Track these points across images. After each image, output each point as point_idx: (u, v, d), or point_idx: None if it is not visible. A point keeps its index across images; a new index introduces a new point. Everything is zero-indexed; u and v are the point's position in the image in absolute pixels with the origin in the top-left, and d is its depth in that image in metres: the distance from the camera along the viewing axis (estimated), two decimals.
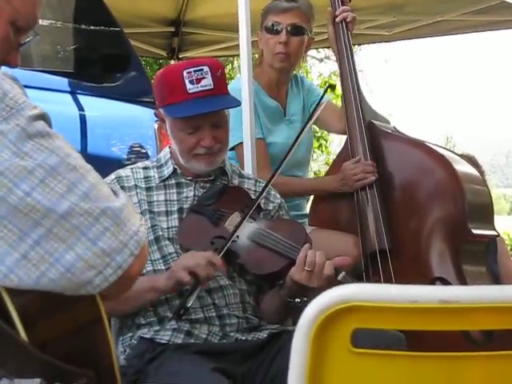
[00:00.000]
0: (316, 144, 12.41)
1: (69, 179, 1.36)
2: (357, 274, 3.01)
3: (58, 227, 1.34)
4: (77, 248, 1.35)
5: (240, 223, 2.56)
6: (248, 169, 3.32)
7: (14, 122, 1.35)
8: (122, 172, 2.70)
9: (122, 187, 2.63)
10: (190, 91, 2.56)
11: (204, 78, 2.58)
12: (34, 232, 1.33)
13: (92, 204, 1.36)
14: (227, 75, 10.94)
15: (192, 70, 2.58)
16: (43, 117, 1.41)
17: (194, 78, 2.57)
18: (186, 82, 2.57)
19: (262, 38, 3.57)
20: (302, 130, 2.79)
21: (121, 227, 1.38)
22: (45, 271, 1.33)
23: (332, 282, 2.43)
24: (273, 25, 3.50)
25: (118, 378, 1.51)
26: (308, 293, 2.49)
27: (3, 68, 1.59)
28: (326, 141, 12.94)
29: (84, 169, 1.39)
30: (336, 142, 12.63)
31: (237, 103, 2.74)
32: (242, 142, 3.39)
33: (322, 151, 12.92)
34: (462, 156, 3.55)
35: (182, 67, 2.61)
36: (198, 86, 2.57)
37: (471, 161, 3.75)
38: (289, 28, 3.48)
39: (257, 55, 3.84)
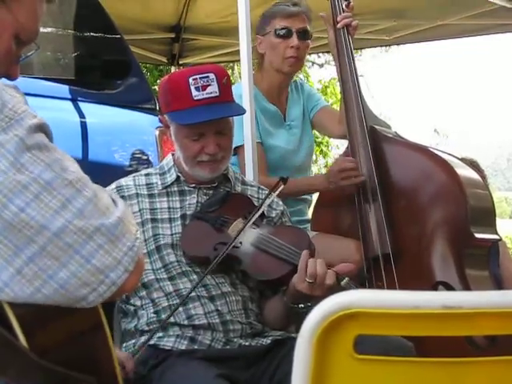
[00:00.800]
0: (317, 149, 12.42)
1: (63, 195, 1.36)
2: (360, 280, 3.01)
3: (51, 245, 1.33)
4: (70, 266, 1.35)
5: (242, 229, 2.56)
6: (249, 173, 3.32)
7: (12, 133, 1.35)
8: (123, 181, 2.71)
9: (122, 197, 2.62)
10: (196, 98, 2.57)
11: (210, 85, 2.58)
12: (27, 249, 1.33)
13: (86, 221, 1.36)
14: None
15: (198, 76, 2.58)
16: (42, 127, 1.40)
17: (200, 84, 2.58)
18: (192, 88, 2.57)
19: (264, 43, 3.56)
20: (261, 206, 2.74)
21: (115, 244, 1.38)
22: (39, 287, 1.33)
23: (335, 288, 2.42)
24: (283, 29, 3.50)
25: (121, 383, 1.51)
26: (312, 299, 2.48)
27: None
28: (327, 146, 12.95)
29: (81, 183, 1.39)
30: (334, 146, 12.66)
31: (242, 111, 2.74)
32: (241, 145, 3.39)
33: (323, 156, 12.93)
34: (463, 160, 3.55)
35: (188, 74, 2.61)
36: (204, 93, 2.57)
37: (473, 165, 3.75)
38: (299, 32, 3.49)
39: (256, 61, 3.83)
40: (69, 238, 1.34)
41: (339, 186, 3.30)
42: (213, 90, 2.58)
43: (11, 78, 1.62)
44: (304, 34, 3.52)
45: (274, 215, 2.77)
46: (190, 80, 2.58)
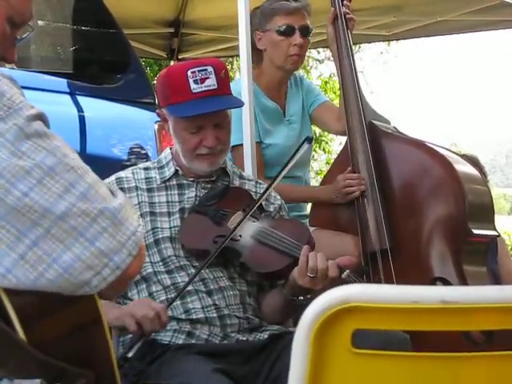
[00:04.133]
0: (317, 144, 12.40)
1: (66, 179, 1.36)
2: (360, 273, 3.00)
3: (55, 228, 1.33)
4: (74, 249, 1.34)
5: (241, 221, 2.56)
6: (248, 170, 3.31)
7: (11, 122, 1.35)
8: (123, 173, 2.71)
9: (122, 189, 2.63)
10: (194, 91, 2.57)
11: (208, 77, 2.58)
12: (31, 232, 1.33)
13: (90, 204, 1.36)
14: None
15: (196, 69, 2.59)
16: (41, 117, 1.41)
17: (198, 77, 2.58)
18: (190, 81, 2.57)
19: (265, 39, 3.55)
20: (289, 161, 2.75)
21: (119, 227, 1.38)
22: (42, 272, 1.33)
23: (336, 280, 2.42)
24: (285, 26, 3.48)
25: (118, 378, 1.51)
26: (312, 291, 2.49)
27: (1, 69, 1.59)
28: (327, 142, 12.93)
29: (82, 169, 1.39)
30: (337, 142, 12.62)
31: (240, 103, 2.75)
32: (238, 145, 3.37)
33: (323, 150, 12.92)
34: (463, 156, 3.55)
35: (186, 67, 2.61)
36: (202, 85, 2.58)
37: (473, 161, 3.75)
38: (301, 29, 3.47)
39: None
40: (73, 220, 1.34)
41: (344, 200, 3.32)
42: (211, 82, 2.58)
43: (9, 61, 1.62)
44: (306, 31, 3.50)
45: (271, 209, 2.77)
46: (189, 73, 2.58)
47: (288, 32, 3.48)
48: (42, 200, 1.33)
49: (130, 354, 2.38)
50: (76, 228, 1.35)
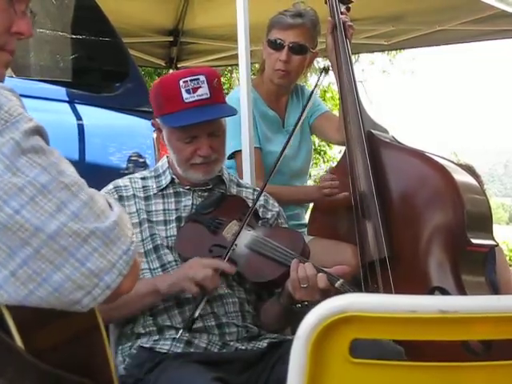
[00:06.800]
0: (316, 154, 12.41)
1: (59, 198, 1.35)
2: (356, 284, 3.00)
3: (45, 248, 1.33)
4: (65, 269, 1.34)
5: (239, 232, 2.56)
6: (246, 177, 3.31)
7: (8, 136, 1.35)
8: (121, 182, 2.70)
9: (121, 197, 2.63)
10: (187, 101, 2.57)
11: (200, 87, 2.58)
12: (21, 251, 1.33)
13: (81, 224, 1.36)
14: (226, 85, 10.94)
15: (188, 79, 2.58)
16: (39, 131, 1.40)
17: (191, 87, 2.58)
18: (183, 91, 2.57)
19: (265, 50, 3.57)
20: (296, 124, 2.79)
21: (110, 247, 1.38)
22: (33, 290, 1.33)
23: (331, 290, 2.42)
24: (275, 41, 3.50)
25: None
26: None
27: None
28: (325, 152, 12.93)
29: (77, 186, 1.38)
30: (336, 150, 12.62)
31: (233, 112, 2.74)
32: (239, 150, 3.39)
33: (322, 159, 12.93)
34: (460, 166, 3.55)
35: (178, 77, 2.61)
36: (195, 95, 2.57)
37: (470, 170, 3.75)
38: (291, 45, 3.48)
39: (256, 65, 3.83)
40: (64, 240, 1.34)
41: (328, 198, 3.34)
42: (203, 92, 2.58)
43: (23, 34, 1.59)
44: (297, 49, 3.50)
45: (269, 216, 2.77)
46: (181, 83, 2.58)
47: (276, 46, 3.50)
48: (33, 218, 1.33)
49: (197, 315, 2.43)
50: (66, 248, 1.34)
